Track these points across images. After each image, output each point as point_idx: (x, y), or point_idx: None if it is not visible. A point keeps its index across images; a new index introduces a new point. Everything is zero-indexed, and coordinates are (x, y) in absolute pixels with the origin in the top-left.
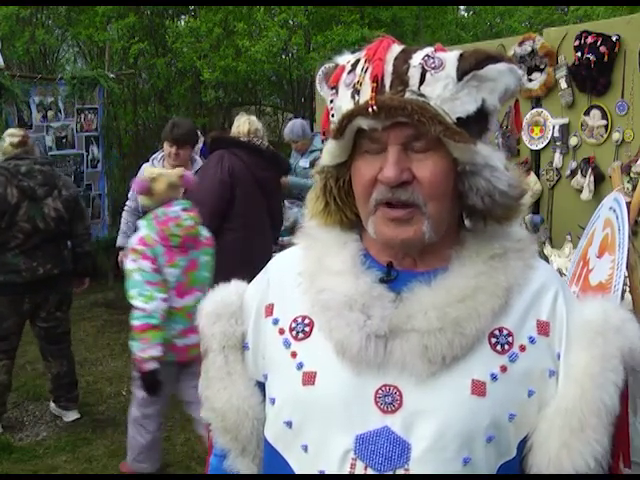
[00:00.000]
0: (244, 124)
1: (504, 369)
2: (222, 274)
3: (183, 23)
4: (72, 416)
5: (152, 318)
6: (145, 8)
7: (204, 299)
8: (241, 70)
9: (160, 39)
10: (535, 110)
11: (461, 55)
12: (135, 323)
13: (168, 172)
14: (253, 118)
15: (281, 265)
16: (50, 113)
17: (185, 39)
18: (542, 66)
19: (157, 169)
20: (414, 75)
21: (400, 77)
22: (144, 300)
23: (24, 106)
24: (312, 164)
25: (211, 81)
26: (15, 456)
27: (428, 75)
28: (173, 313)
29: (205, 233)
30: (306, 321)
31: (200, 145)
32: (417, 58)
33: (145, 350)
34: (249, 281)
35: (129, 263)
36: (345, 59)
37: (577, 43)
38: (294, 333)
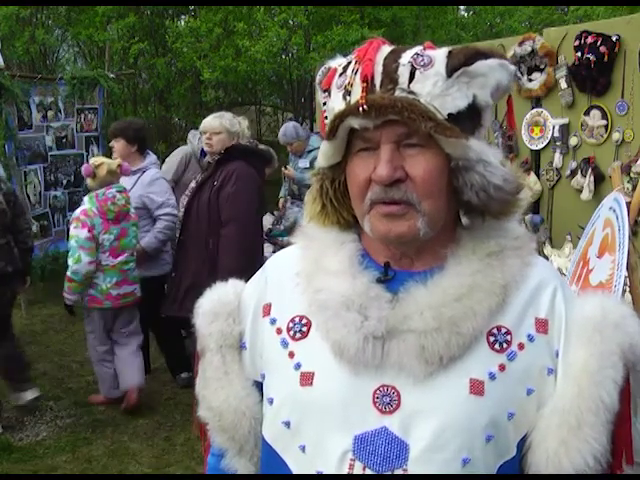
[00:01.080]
0: (244, 126)
1: (502, 368)
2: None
3: (183, 23)
4: (30, 395)
5: (76, 275)
6: (145, 8)
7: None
8: (241, 70)
9: (160, 39)
10: (535, 110)
11: (450, 52)
12: (67, 273)
13: (109, 161)
14: (240, 118)
15: (279, 265)
16: (50, 113)
17: (185, 39)
18: (542, 66)
19: (100, 158)
20: (403, 73)
21: (390, 76)
22: (74, 260)
23: (24, 106)
24: (312, 164)
25: (211, 81)
26: (15, 456)
27: (417, 73)
28: (108, 269)
29: (133, 210)
30: (304, 321)
31: (200, 146)
32: (406, 57)
33: (67, 294)
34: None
35: (71, 229)
36: (336, 62)
37: (577, 43)
38: (292, 333)
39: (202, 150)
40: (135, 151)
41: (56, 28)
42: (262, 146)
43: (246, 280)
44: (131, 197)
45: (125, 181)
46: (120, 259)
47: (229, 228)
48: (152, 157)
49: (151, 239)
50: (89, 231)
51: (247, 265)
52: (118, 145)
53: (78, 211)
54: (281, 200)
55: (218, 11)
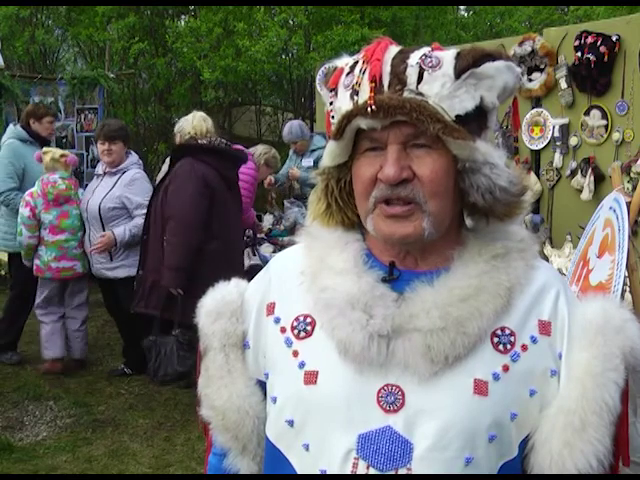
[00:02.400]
0: (200, 123)
1: (506, 369)
2: (210, 283)
3: (183, 23)
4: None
5: (20, 246)
6: (145, 8)
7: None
8: (241, 70)
9: (160, 39)
10: (535, 110)
11: (458, 53)
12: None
13: (54, 150)
14: (205, 115)
15: (283, 264)
16: None
17: (185, 39)
18: (542, 66)
19: (49, 148)
20: (412, 74)
21: (398, 76)
22: (18, 234)
23: (24, 106)
24: (316, 162)
25: (211, 81)
26: (15, 456)
27: (426, 74)
28: (49, 244)
29: (77, 195)
30: (308, 320)
31: None
32: (415, 57)
33: (24, 261)
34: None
35: (20, 208)
36: (343, 61)
37: (577, 43)
38: (296, 332)
39: None
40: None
41: (56, 28)
42: (239, 146)
43: (187, 278)
44: (111, 197)
45: (106, 180)
46: (60, 237)
47: (169, 225)
48: (134, 157)
49: (122, 230)
50: (31, 210)
51: (189, 264)
52: (117, 147)
53: (27, 193)
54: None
55: (218, 11)
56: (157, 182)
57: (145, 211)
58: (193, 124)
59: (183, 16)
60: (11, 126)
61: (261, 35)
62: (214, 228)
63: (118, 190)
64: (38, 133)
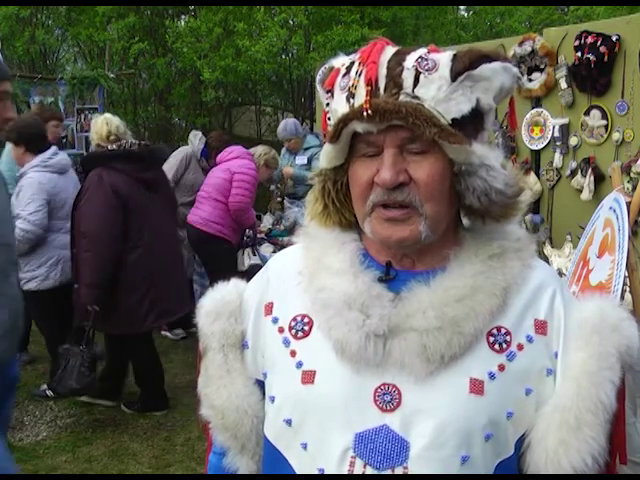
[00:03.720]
0: (102, 127)
1: (502, 368)
2: (134, 292)
3: (183, 23)
4: None
5: None
6: (145, 8)
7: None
8: (241, 70)
9: (160, 39)
10: (535, 110)
11: (454, 56)
12: None
13: None
14: (109, 116)
15: (281, 264)
16: None
17: (185, 39)
18: (542, 66)
19: None
20: (408, 77)
21: (394, 80)
22: None
23: (24, 106)
24: (310, 160)
25: (211, 81)
26: (15, 456)
27: (422, 77)
28: None
29: None
30: (305, 320)
31: (201, 146)
32: (411, 60)
33: None
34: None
35: None
36: (340, 62)
37: (577, 43)
38: (293, 332)
39: (202, 150)
40: (25, 152)
41: (56, 28)
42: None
43: (105, 294)
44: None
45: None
46: None
47: (82, 241)
48: (35, 159)
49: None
50: None
51: (105, 279)
52: (15, 151)
53: None
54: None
55: (218, 11)
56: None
57: (21, 221)
58: (95, 129)
59: (183, 16)
60: None
61: (261, 35)
62: (133, 237)
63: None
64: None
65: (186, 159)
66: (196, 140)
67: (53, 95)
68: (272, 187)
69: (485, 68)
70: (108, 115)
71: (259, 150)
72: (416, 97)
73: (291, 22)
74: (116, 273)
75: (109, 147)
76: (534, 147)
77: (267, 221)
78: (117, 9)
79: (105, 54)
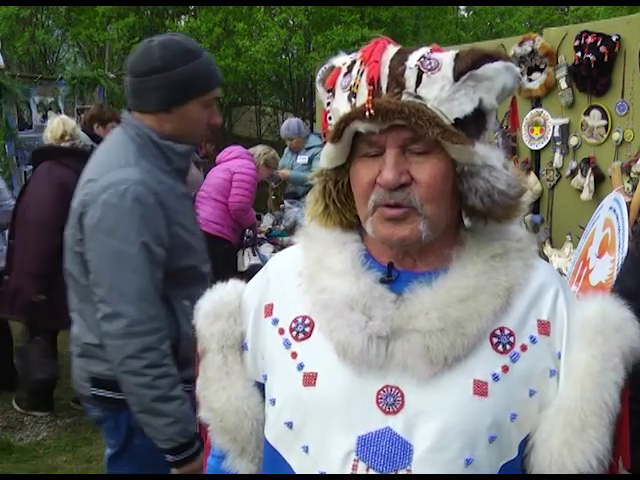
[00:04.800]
0: (58, 127)
1: (506, 369)
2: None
3: (183, 23)
4: None
5: None
6: (145, 8)
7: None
8: (241, 70)
9: None
10: (535, 110)
11: (457, 55)
12: None
13: None
14: (65, 118)
15: (281, 264)
16: (50, 113)
17: None
18: (542, 66)
19: None
20: (410, 77)
21: (396, 79)
22: None
23: (24, 106)
24: (311, 160)
25: None
26: (15, 456)
27: (424, 77)
28: None
29: None
30: (306, 321)
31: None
32: (413, 59)
33: None
34: None
35: None
36: (341, 61)
37: (577, 43)
38: (294, 333)
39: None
40: None
41: (56, 28)
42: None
43: (45, 287)
44: None
45: None
46: None
47: (26, 231)
48: None
49: None
50: None
51: (48, 269)
52: None
53: None
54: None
55: (218, 11)
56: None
57: None
58: (50, 129)
59: (183, 16)
60: None
61: (261, 35)
62: None
63: None
64: (102, 138)
65: None
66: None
67: (53, 95)
68: (272, 184)
69: (488, 68)
70: (65, 116)
71: (259, 150)
72: (419, 97)
73: (291, 22)
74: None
75: (61, 145)
76: (534, 147)
77: (267, 221)
78: (117, 9)
79: (105, 54)
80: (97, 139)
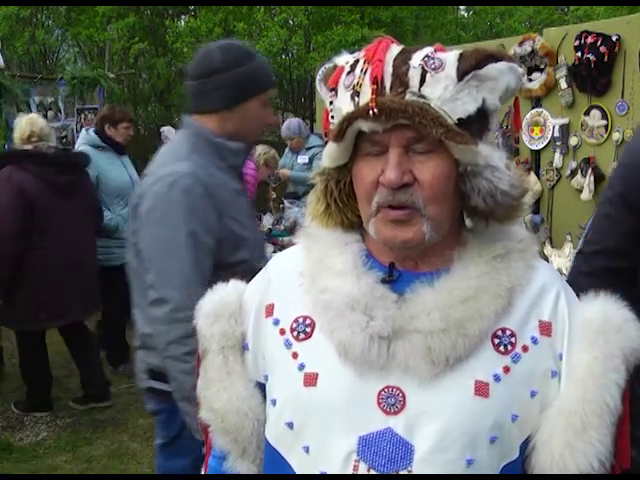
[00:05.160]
0: (25, 127)
1: (507, 370)
2: (27, 290)
3: (183, 23)
4: None
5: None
6: (145, 8)
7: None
8: None
9: (160, 39)
10: (535, 110)
11: (461, 55)
12: None
13: None
14: (35, 117)
15: (282, 264)
16: (50, 113)
17: (185, 39)
18: (542, 66)
19: None
20: (414, 76)
21: (400, 78)
22: None
23: (24, 106)
24: (311, 160)
25: None
26: (15, 456)
27: (428, 76)
28: None
29: None
30: (307, 321)
31: None
32: (417, 59)
33: None
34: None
35: None
36: (344, 60)
37: (577, 43)
38: (295, 334)
39: None
40: None
41: (56, 28)
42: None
43: (8, 288)
44: None
45: None
46: None
47: None
48: None
49: None
50: None
51: (4, 274)
52: None
53: None
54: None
55: (218, 11)
56: None
57: None
58: (17, 129)
59: (183, 16)
60: (83, 132)
61: (261, 35)
62: (35, 238)
63: None
64: (113, 139)
65: None
66: (171, 135)
67: (53, 95)
68: (272, 183)
69: (491, 68)
70: (34, 116)
71: (258, 149)
72: (422, 96)
73: (291, 22)
74: (15, 270)
75: (24, 147)
76: (534, 147)
77: (267, 221)
78: (117, 9)
79: (105, 54)
80: (108, 140)
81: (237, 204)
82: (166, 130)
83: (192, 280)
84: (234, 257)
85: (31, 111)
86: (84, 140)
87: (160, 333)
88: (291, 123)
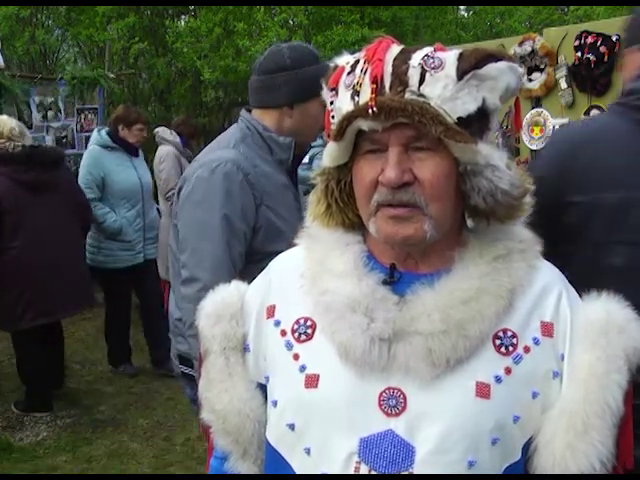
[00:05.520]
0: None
1: (508, 371)
2: (9, 291)
3: (183, 23)
4: None
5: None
6: (145, 8)
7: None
8: (241, 70)
9: (160, 39)
10: (535, 110)
11: (461, 54)
12: None
13: None
14: (4, 119)
15: (283, 266)
16: (50, 113)
17: (185, 39)
18: (542, 66)
19: None
20: (414, 75)
21: (400, 77)
22: None
23: (24, 106)
24: (312, 159)
25: (211, 81)
26: (15, 456)
27: (428, 75)
28: None
29: None
30: (308, 323)
31: (178, 139)
32: (416, 58)
33: None
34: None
35: None
36: (344, 60)
37: (577, 43)
38: (296, 335)
39: (181, 139)
40: None
41: (56, 28)
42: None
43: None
44: None
45: None
46: None
47: None
48: None
49: None
50: None
51: None
52: None
53: None
54: None
55: (218, 11)
56: None
57: None
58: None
59: (183, 16)
60: (95, 132)
61: (261, 35)
62: (5, 238)
63: None
64: (125, 140)
65: (175, 160)
66: (171, 136)
67: (53, 95)
68: None
69: (491, 67)
70: (3, 117)
71: None
72: (422, 95)
73: (291, 22)
74: None
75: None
76: (534, 147)
77: None
78: (117, 9)
79: (105, 54)
80: (120, 141)
81: (281, 197)
82: (160, 130)
83: (223, 263)
84: (270, 247)
85: (31, 111)
86: (94, 140)
87: (187, 311)
88: None
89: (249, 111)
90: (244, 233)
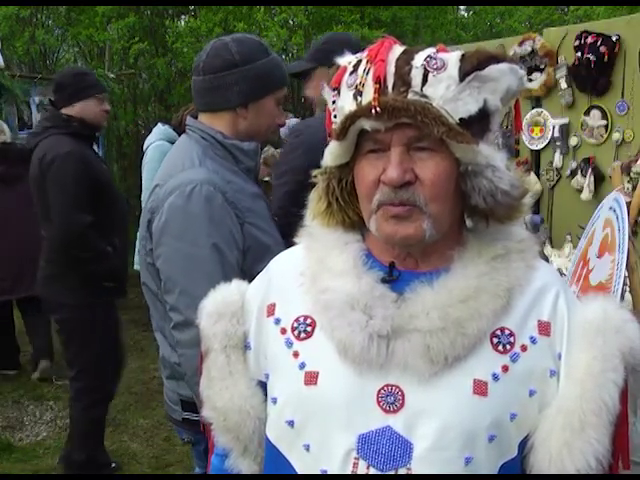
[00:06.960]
0: None
1: (506, 369)
2: None
3: (183, 23)
4: None
5: None
6: (145, 8)
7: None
8: None
9: (160, 39)
10: (535, 110)
11: (463, 55)
12: None
13: None
14: None
15: (283, 264)
16: None
17: (185, 39)
18: (542, 66)
19: None
20: (416, 76)
21: (402, 78)
22: None
23: (24, 106)
24: None
25: None
26: (15, 456)
27: (430, 76)
28: None
29: None
30: (308, 321)
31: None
32: (419, 59)
33: None
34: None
35: None
36: (347, 60)
37: (577, 43)
38: (296, 333)
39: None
40: None
41: (56, 28)
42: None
43: None
44: None
45: None
46: None
47: None
48: None
49: None
50: None
51: None
52: None
53: None
54: None
55: (218, 11)
56: None
57: None
58: None
59: (183, 16)
60: (159, 125)
61: (261, 35)
62: None
63: None
64: None
65: None
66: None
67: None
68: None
69: (493, 69)
70: None
71: None
72: (424, 96)
73: (291, 22)
74: None
75: None
76: (534, 147)
77: None
78: (117, 9)
79: (105, 54)
80: None
81: (257, 209)
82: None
83: None
84: (259, 267)
85: (31, 111)
86: (161, 135)
87: (188, 357)
88: (291, 123)
89: (195, 117)
90: (237, 260)
